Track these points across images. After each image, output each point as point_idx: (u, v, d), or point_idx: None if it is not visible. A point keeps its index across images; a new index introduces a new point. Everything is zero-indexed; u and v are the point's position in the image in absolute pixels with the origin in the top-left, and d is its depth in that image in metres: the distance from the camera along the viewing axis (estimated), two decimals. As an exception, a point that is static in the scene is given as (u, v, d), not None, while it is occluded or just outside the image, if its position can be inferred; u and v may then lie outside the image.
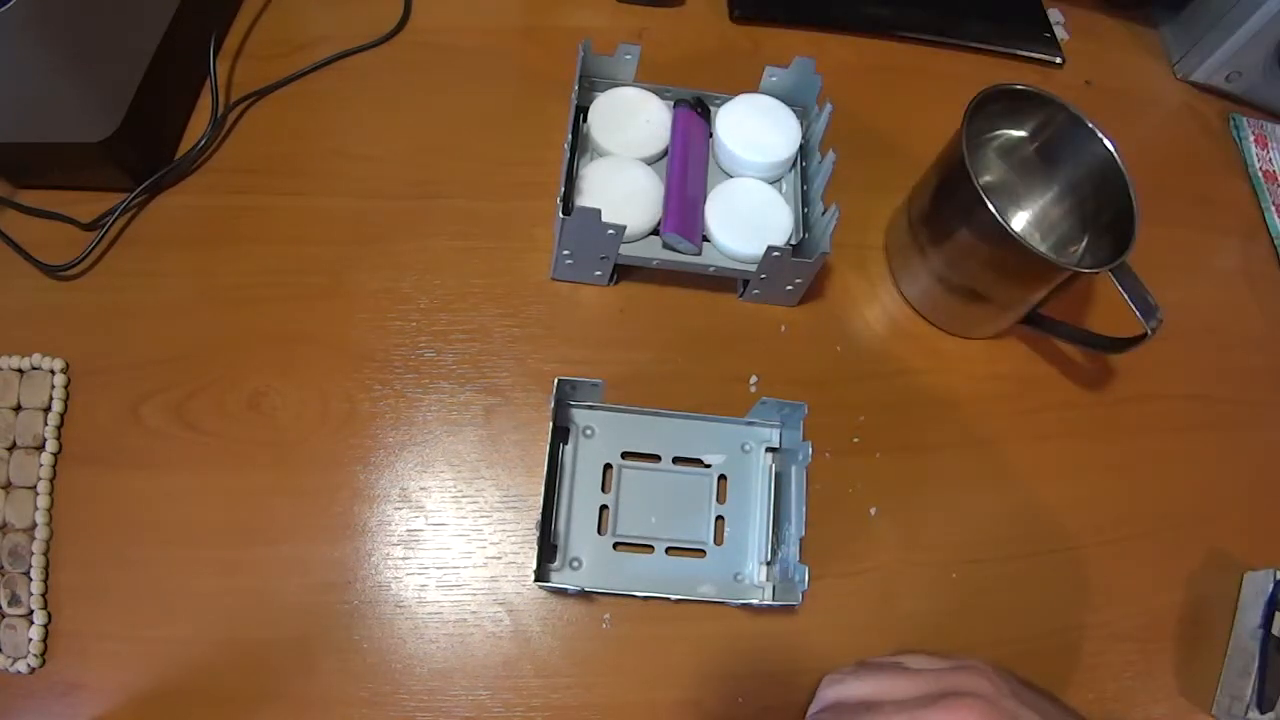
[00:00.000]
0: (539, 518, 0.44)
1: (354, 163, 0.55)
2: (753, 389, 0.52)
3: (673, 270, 0.51)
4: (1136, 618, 0.50)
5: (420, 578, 0.45)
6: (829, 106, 0.53)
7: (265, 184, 0.54)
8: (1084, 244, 0.53)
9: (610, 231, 0.47)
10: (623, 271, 0.54)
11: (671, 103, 0.55)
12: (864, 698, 0.39)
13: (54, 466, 0.45)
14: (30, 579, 0.43)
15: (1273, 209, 0.66)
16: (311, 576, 0.45)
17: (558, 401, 0.45)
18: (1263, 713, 0.46)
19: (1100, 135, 0.51)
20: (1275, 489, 0.56)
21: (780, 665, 0.46)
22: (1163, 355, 0.54)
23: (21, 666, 0.41)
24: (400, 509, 0.47)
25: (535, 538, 0.44)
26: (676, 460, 0.49)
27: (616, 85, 0.55)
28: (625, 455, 0.48)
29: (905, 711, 0.36)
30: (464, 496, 0.47)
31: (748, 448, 0.50)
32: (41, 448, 0.45)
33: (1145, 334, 0.48)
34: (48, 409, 0.46)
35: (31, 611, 0.42)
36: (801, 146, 0.55)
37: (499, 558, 0.46)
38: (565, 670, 0.44)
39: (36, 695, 0.41)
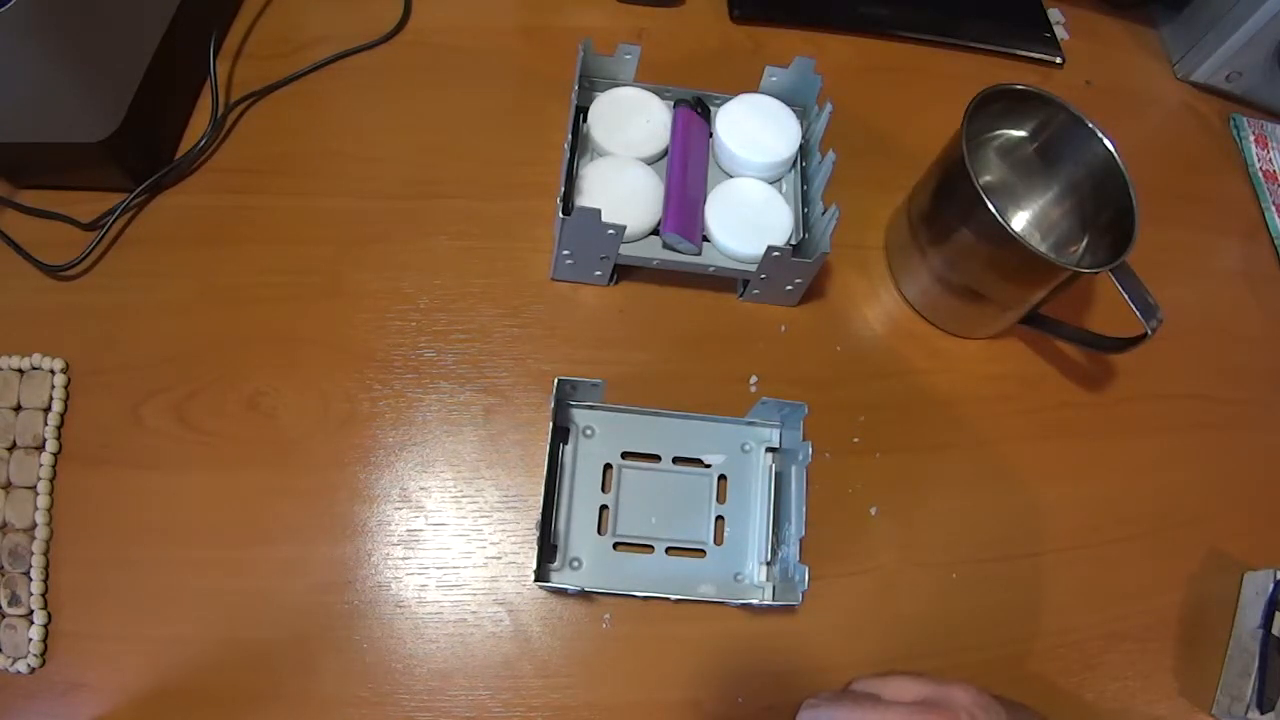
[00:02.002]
0: (539, 518, 0.44)
1: (354, 163, 0.55)
2: (753, 389, 0.52)
3: (673, 270, 0.51)
4: (1136, 618, 0.50)
5: (420, 578, 0.45)
6: (829, 106, 0.53)
7: (265, 184, 0.54)
8: (1084, 244, 0.53)
9: (610, 231, 0.47)
10: (623, 271, 0.54)
11: (671, 103, 0.55)
12: None
13: (54, 466, 0.45)
14: (30, 579, 0.43)
15: (1273, 209, 0.66)
16: (311, 576, 0.45)
17: (558, 401, 0.45)
18: (1263, 713, 0.46)
19: (1100, 135, 0.51)
20: (1275, 489, 0.56)
21: (780, 665, 0.46)
22: (1163, 355, 0.54)
23: (21, 666, 0.41)
24: (400, 509, 0.47)
25: (535, 538, 0.44)
26: (676, 460, 0.49)
27: (616, 85, 0.55)
28: (625, 455, 0.48)
29: None
30: (464, 496, 0.47)
31: (748, 448, 0.50)
32: (41, 448, 0.45)
33: (1145, 334, 0.48)
34: (48, 409, 0.46)
35: (31, 611, 0.42)
36: (801, 146, 0.55)
37: (499, 558, 0.46)
38: (565, 670, 0.44)
39: (36, 695, 0.41)
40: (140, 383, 0.47)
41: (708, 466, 0.49)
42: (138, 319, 0.49)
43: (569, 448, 0.48)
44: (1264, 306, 0.62)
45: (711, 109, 0.56)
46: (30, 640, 0.42)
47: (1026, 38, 0.70)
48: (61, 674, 0.42)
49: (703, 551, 0.47)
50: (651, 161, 0.54)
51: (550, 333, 0.52)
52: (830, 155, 0.51)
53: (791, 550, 0.44)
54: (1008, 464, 0.53)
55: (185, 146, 0.54)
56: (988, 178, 0.57)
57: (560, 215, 0.47)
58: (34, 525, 0.44)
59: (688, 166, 0.53)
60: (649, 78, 0.56)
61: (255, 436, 0.47)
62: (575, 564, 0.46)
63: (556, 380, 0.45)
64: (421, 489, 0.47)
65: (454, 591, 0.45)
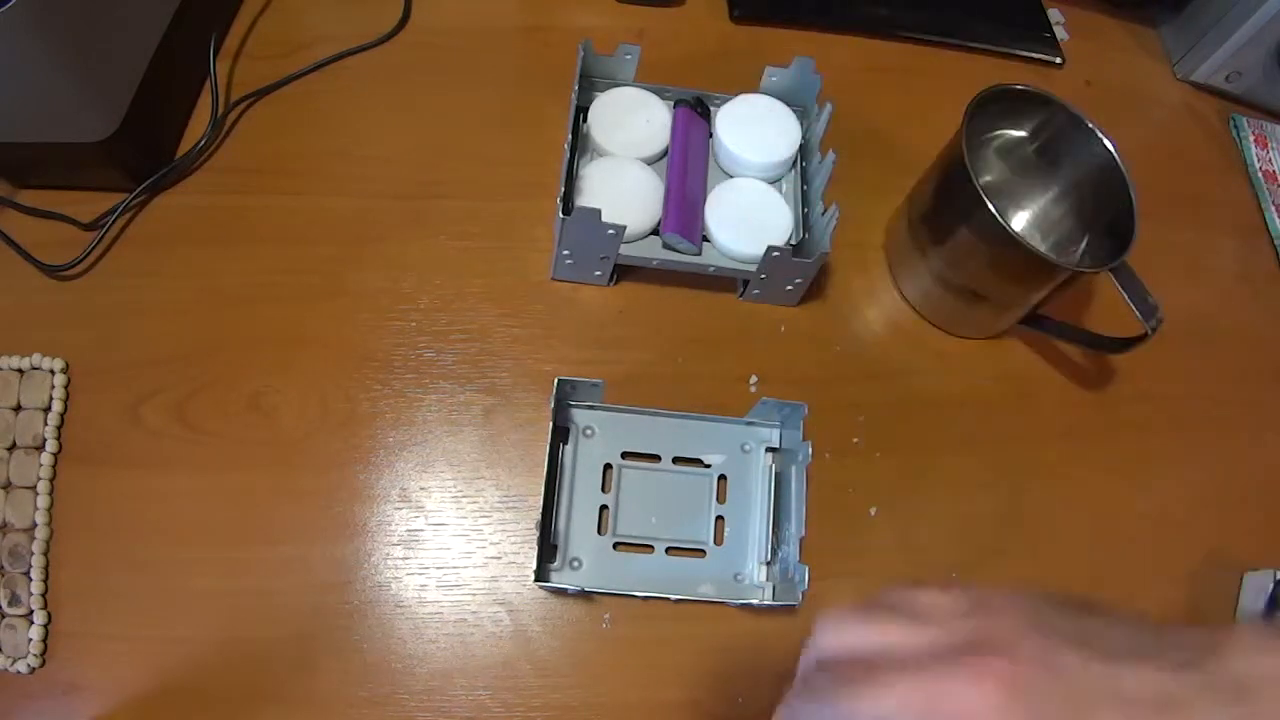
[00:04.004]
0: (539, 518, 0.44)
1: (354, 163, 0.55)
2: (753, 389, 0.52)
3: (673, 270, 0.51)
4: (1136, 618, 0.50)
5: (420, 578, 0.45)
6: (829, 106, 0.53)
7: (265, 184, 0.54)
8: (1084, 244, 0.53)
9: (610, 231, 0.47)
10: (623, 271, 0.54)
11: (671, 103, 0.55)
12: (870, 651, 0.32)
13: (54, 466, 0.45)
14: (30, 579, 0.43)
15: (1273, 209, 0.66)
16: (311, 576, 0.45)
17: (558, 401, 0.45)
18: (1263, 713, 0.46)
19: (1100, 135, 0.51)
20: (1275, 489, 0.56)
21: (780, 665, 0.45)
22: (1163, 355, 0.54)
23: (21, 666, 0.41)
24: (400, 509, 0.47)
25: (535, 538, 0.44)
26: (676, 460, 0.49)
27: (616, 85, 0.55)
28: (625, 455, 0.48)
29: (914, 678, 0.29)
30: (464, 496, 0.47)
31: (748, 448, 0.50)
32: (41, 448, 0.45)
33: (1145, 334, 0.48)
34: (48, 409, 0.46)
35: (31, 611, 0.42)
36: (801, 146, 0.55)
37: (499, 558, 0.46)
38: (565, 670, 0.44)
39: (36, 695, 0.41)
40: (140, 383, 0.47)
41: (708, 466, 0.49)
42: (138, 319, 0.49)
43: (569, 448, 0.48)
44: (1264, 306, 0.62)
45: (711, 109, 0.56)
46: (30, 640, 0.42)
47: (1026, 38, 0.70)
48: (61, 674, 0.42)
49: (703, 551, 0.47)
50: (651, 161, 0.54)
51: (550, 333, 0.52)
52: (830, 155, 0.51)
53: (791, 550, 0.44)
54: (1008, 464, 0.53)
55: (185, 146, 0.54)
56: (988, 178, 0.57)
57: (560, 215, 0.47)
58: (34, 525, 0.44)
59: (688, 166, 0.53)
60: (649, 78, 0.56)
61: (255, 436, 0.47)
62: (575, 564, 0.46)
63: (556, 380, 0.45)
64: (421, 489, 0.47)
65: (454, 591, 0.45)
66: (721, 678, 0.45)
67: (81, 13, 0.44)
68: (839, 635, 0.33)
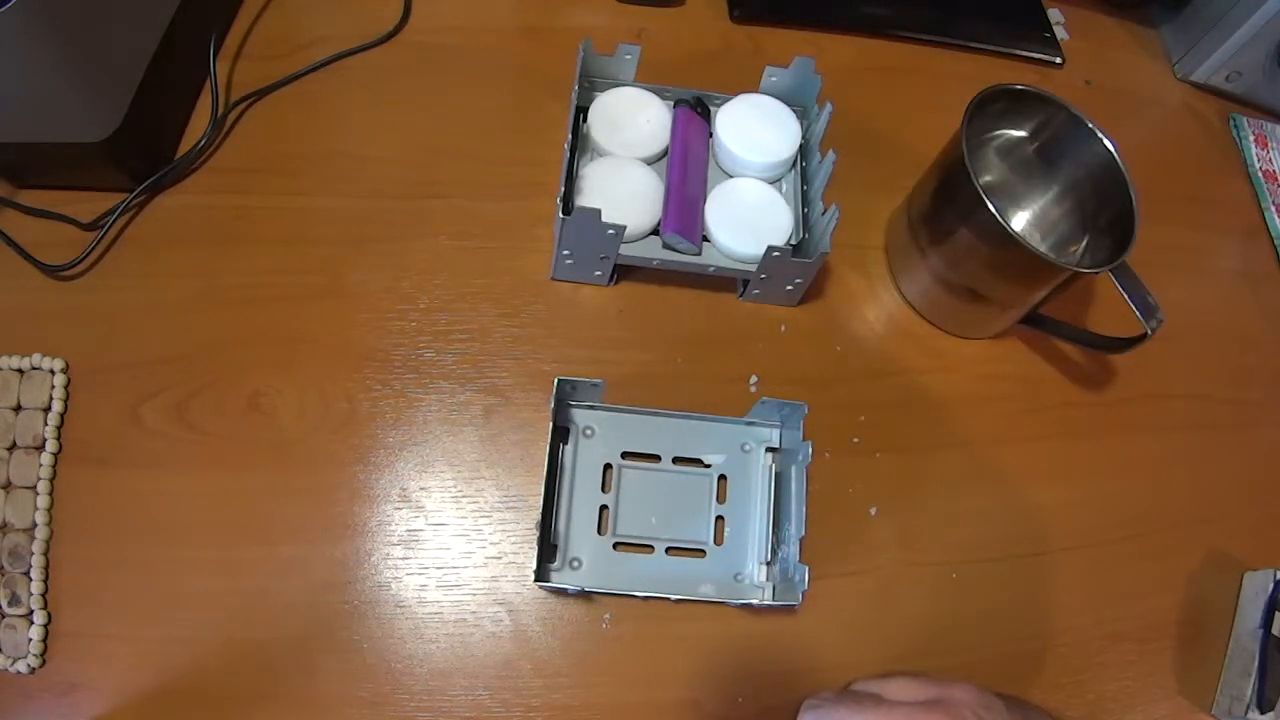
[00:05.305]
0: (539, 518, 0.44)
1: (354, 163, 0.55)
2: (753, 389, 0.52)
3: (673, 270, 0.51)
4: (1136, 618, 0.50)
5: (420, 578, 0.45)
6: (829, 106, 0.53)
7: (265, 184, 0.54)
8: (1084, 244, 0.53)
9: (610, 231, 0.47)
10: (623, 271, 0.54)
11: (671, 103, 0.55)
12: None
13: (54, 466, 0.45)
14: (30, 579, 0.43)
15: (1273, 209, 0.66)
16: (311, 576, 0.45)
17: (558, 401, 0.45)
18: (1263, 713, 0.46)
19: (1100, 135, 0.51)
20: (1275, 489, 0.56)
21: (780, 665, 0.46)
22: (1163, 355, 0.54)
23: (21, 666, 0.41)
24: (400, 509, 0.47)
25: (535, 538, 0.44)
26: (676, 460, 0.49)
27: (616, 85, 0.55)
28: (625, 455, 0.48)
29: None
30: (464, 496, 0.47)
31: (748, 448, 0.50)
32: (41, 448, 0.45)
33: (1145, 334, 0.48)
34: (48, 409, 0.46)
35: (31, 611, 0.42)
36: (801, 146, 0.55)
37: (499, 558, 0.46)
38: (565, 670, 0.44)
39: (36, 695, 0.41)
40: (140, 383, 0.47)
41: (708, 466, 0.49)
42: (138, 319, 0.49)
43: (569, 448, 0.48)
44: (1264, 306, 0.62)
45: (711, 109, 0.56)
46: (30, 640, 0.42)
47: (1026, 38, 0.70)
48: (61, 674, 0.42)
49: (703, 551, 0.47)
50: (651, 161, 0.54)
51: (550, 333, 0.52)
52: (830, 155, 0.51)
53: (791, 550, 0.44)
54: (1008, 464, 0.53)
55: (185, 146, 0.54)
56: (988, 178, 0.57)
57: (560, 215, 0.47)
58: (34, 525, 0.44)
59: (688, 166, 0.53)
60: (649, 78, 0.56)
61: (255, 436, 0.47)
62: (575, 564, 0.46)
63: (556, 380, 0.45)
64: (421, 489, 0.47)
65: (454, 591, 0.45)
66: (721, 678, 0.45)
67: (81, 13, 0.44)
68: (820, 714, 0.40)
